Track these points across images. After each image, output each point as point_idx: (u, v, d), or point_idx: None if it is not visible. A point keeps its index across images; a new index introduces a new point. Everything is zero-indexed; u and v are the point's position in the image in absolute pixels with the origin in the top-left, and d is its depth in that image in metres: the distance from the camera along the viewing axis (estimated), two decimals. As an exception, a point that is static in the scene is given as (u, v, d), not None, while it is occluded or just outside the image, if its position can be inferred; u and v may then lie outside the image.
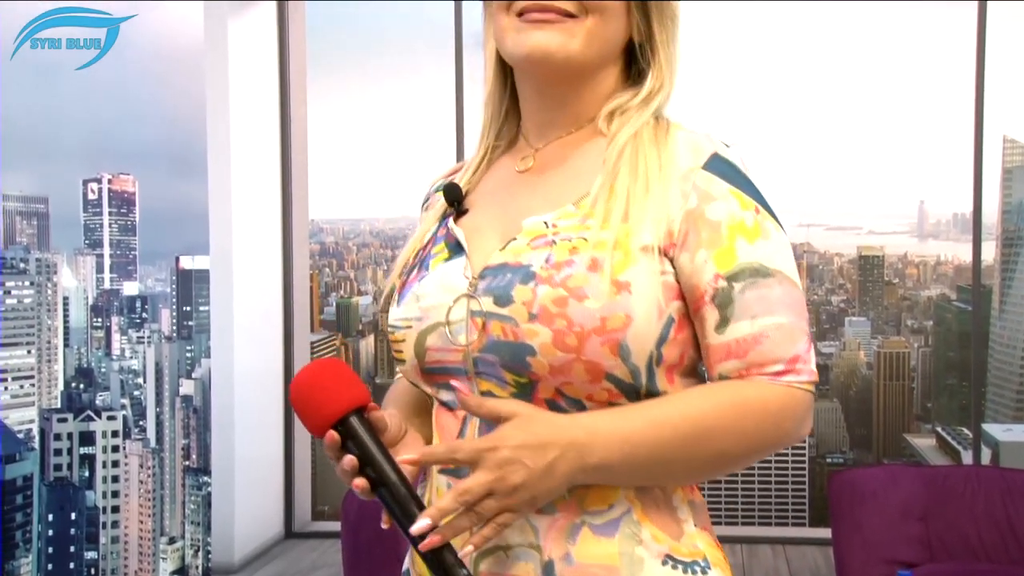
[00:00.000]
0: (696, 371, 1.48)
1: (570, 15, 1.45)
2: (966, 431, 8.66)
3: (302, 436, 6.49)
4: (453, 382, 1.47)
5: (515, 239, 1.47)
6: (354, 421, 1.38)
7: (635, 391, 1.40)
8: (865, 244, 11.36)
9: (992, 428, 8.53)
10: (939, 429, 9.71)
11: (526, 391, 1.41)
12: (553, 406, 1.40)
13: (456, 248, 1.53)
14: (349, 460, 1.36)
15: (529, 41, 1.45)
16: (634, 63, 1.58)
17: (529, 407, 1.38)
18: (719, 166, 1.44)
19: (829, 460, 10.25)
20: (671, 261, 1.41)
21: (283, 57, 6.31)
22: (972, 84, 5.88)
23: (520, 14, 1.47)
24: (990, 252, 9.38)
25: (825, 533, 4.83)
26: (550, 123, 1.57)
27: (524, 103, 1.62)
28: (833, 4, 11.54)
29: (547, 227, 1.45)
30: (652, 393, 1.41)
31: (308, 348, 6.71)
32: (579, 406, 1.40)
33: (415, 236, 1.66)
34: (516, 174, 1.59)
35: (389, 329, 1.56)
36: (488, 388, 1.45)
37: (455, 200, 1.60)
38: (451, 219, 1.58)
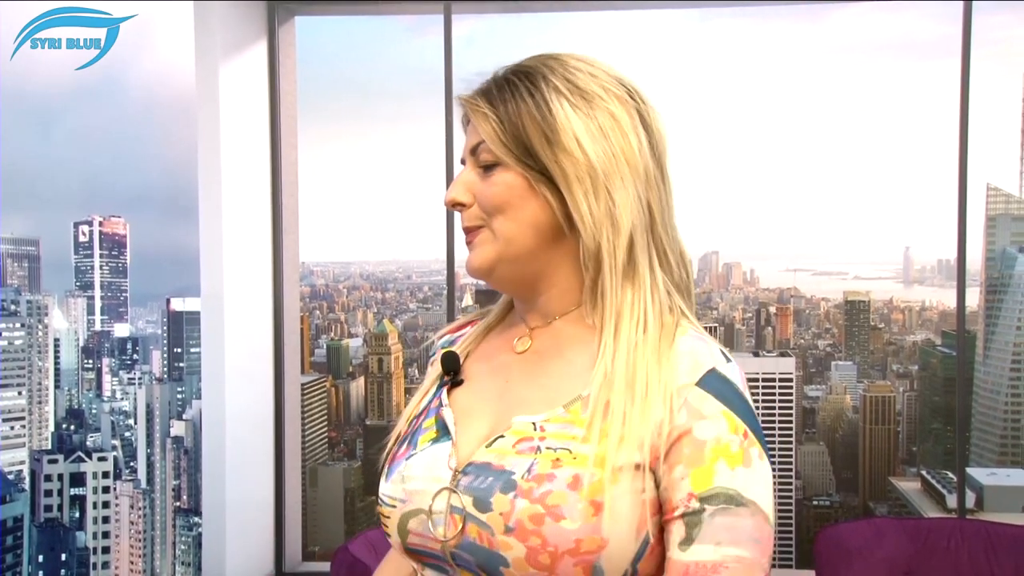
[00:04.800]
0: None
1: (480, 226, 1.53)
2: (951, 475, 8.70)
3: (293, 477, 6.51)
4: None
5: (503, 436, 1.45)
6: None
7: None
8: (851, 289, 11.42)
9: (976, 472, 8.57)
10: (924, 473, 9.74)
11: None
12: None
13: (444, 429, 1.53)
14: None
15: (467, 264, 1.57)
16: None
17: None
18: (714, 384, 1.41)
19: (815, 503, 10.26)
20: (654, 475, 1.39)
21: (274, 102, 6.36)
22: (956, 133, 5.92)
23: None
24: (974, 298, 9.45)
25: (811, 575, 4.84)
26: (542, 308, 1.58)
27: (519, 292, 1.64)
28: (822, 57, 11.66)
29: (535, 429, 1.43)
30: None
31: (299, 390, 6.73)
32: None
33: (416, 397, 1.68)
34: (513, 354, 1.59)
35: (378, 501, 1.56)
36: None
37: (452, 370, 1.62)
38: (445, 393, 1.60)
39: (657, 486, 1.39)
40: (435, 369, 1.67)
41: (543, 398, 1.48)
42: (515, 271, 1.54)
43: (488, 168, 1.53)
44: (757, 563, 1.36)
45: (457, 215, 1.60)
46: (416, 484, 1.49)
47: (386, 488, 1.54)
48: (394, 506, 1.51)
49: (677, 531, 1.36)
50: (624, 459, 1.36)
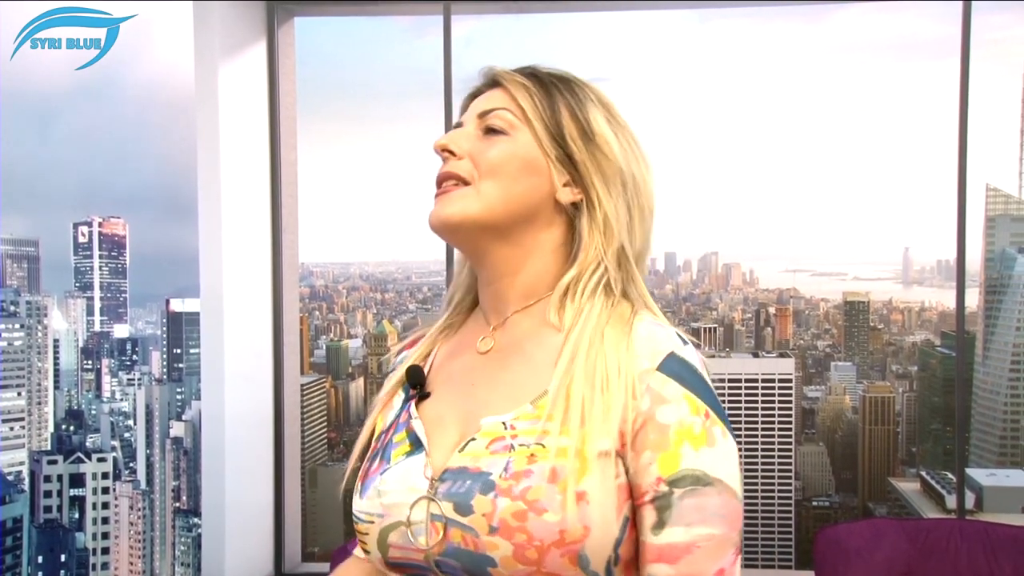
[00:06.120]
0: None
1: (466, 182, 1.54)
2: (950, 475, 8.71)
3: (292, 477, 6.51)
4: None
5: (474, 439, 1.46)
6: None
7: None
8: (851, 290, 11.45)
9: (976, 473, 8.57)
10: (924, 473, 9.75)
11: None
12: None
13: (417, 442, 1.53)
14: None
15: (433, 213, 1.56)
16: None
17: None
18: (674, 367, 1.43)
19: (815, 503, 10.27)
20: (623, 460, 1.41)
21: (273, 102, 6.36)
22: (955, 134, 5.92)
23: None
24: (974, 299, 9.46)
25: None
26: (501, 297, 1.60)
27: (478, 280, 1.66)
28: (821, 58, 11.67)
29: (505, 428, 1.45)
30: None
31: (298, 391, 6.72)
32: None
33: (377, 408, 1.69)
34: (477, 355, 1.60)
35: (354, 518, 1.56)
36: None
37: (417, 383, 1.62)
38: (413, 406, 1.60)
39: (627, 472, 1.41)
40: (393, 384, 1.69)
41: (508, 396, 1.50)
42: (482, 239, 1.56)
43: (492, 133, 1.55)
44: (727, 539, 1.40)
45: None
46: (393, 497, 1.50)
47: (362, 505, 1.54)
48: (372, 522, 1.52)
49: (648, 516, 1.39)
50: (594, 448, 1.38)
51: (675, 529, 1.38)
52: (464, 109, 1.64)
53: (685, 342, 1.47)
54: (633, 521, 1.42)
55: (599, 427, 1.39)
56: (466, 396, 1.55)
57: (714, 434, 1.42)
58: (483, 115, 1.57)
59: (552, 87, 1.56)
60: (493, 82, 1.61)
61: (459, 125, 1.61)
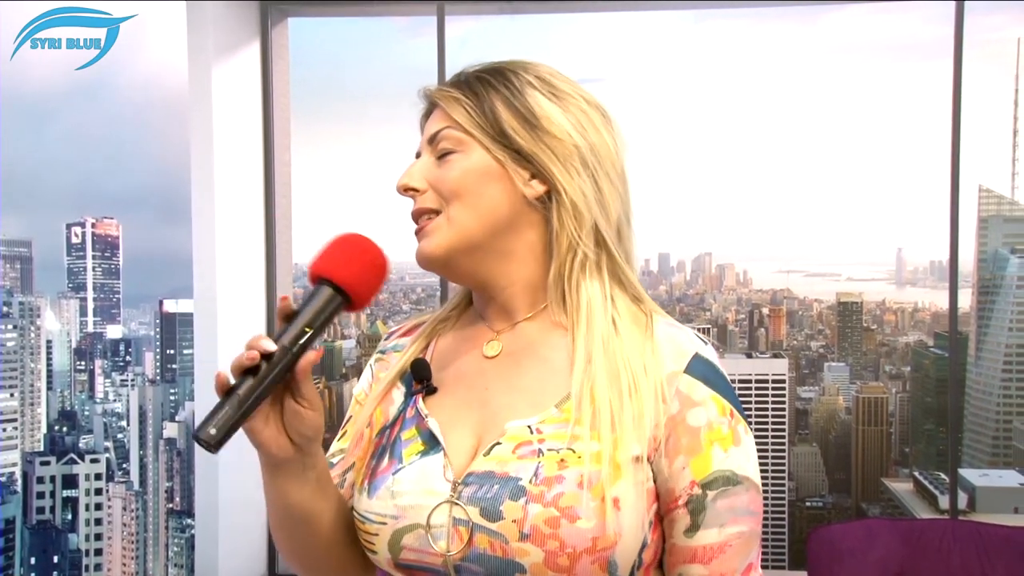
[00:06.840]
0: (662, 563, 1.48)
1: (438, 212, 1.52)
2: (943, 476, 8.70)
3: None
4: None
5: (499, 443, 1.43)
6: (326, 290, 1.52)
7: None
8: (844, 290, 11.43)
9: (969, 473, 8.59)
10: (917, 474, 9.74)
11: None
12: None
13: (431, 440, 1.50)
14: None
15: (417, 252, 1.55)
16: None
17: None
18: (700, 368, 1.45)
19: (808, 504, 10.25)
20: (652, 465, 1.42)
21: (267, 103, 6.36)
22: (948, 135, 5.94)
23: None
24: (966, 299, 9.46)
25: (803, 576, 4.84)
26: (507, 307, 1.58)
27: (478, 295, 1.64)
28: (814, 59, 11.67)
29: (531, 432, 1.43)
30: None
31: (291, 391, 6.70)
32: None
33: (370, 404, 1.66)
34: (484, 359, 1.57)
35: (358, 518, 1.53)
36: None
37: (424, 378, 1.58)
38: (421, 402, 1.56)
39: (655, 478, 1.42)
40: (393, 376, 1.66)
41: (528, 400, 1.48)
42: (471, 262, 1.54)
43: (444, 156, 1.53)
44: (754, 533, 1.46)
45: None
46: (409, 499, 1.46)
47: (371, 505, 1.50)
48: (383, 523, 1.48)
49: (682, 519, 1.42)
50: (626, 453, 1.38)
51: (709, 531, 1.42)
52: (423, 130, 1.63)
53: (705, 342, 1.49)
54: (655, 524, 1.43)
55: (630, 432, 1.39)
56: (480, 400, 1.53)
57: (739, 432, 1.45)
58: (431, 141, 1.56)
59: (482, 86, 1.54)
60: (433, 101, 1.60)
61: (419, 155, 1.59)
